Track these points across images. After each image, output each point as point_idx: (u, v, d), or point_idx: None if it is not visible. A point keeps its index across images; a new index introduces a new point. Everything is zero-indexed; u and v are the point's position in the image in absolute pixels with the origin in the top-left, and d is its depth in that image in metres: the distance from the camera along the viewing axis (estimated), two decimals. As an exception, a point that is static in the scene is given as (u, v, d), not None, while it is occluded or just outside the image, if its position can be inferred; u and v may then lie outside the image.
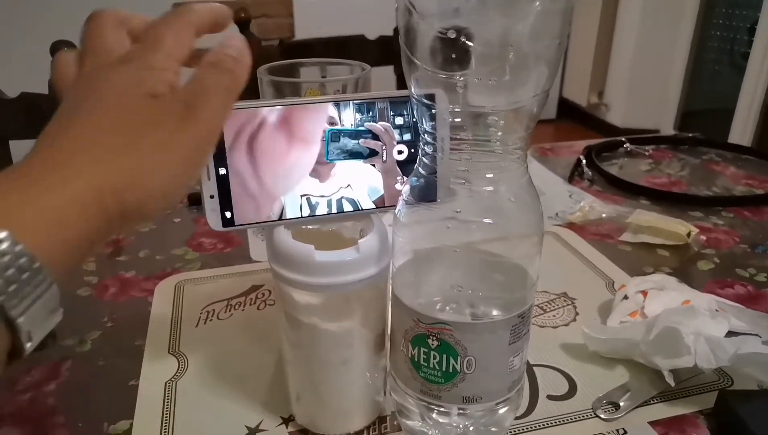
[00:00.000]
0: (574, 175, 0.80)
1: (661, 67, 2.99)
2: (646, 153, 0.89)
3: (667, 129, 3.00)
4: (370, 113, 0.35)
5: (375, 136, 0.35)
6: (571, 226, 0.66)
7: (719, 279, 0.56)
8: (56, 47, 0.86)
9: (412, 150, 0.36)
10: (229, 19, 0.31)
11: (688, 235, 0.61)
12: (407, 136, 0.36)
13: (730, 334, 0.42)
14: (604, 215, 0.67)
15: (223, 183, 0.33)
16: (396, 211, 0.34)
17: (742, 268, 0.58)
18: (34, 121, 0.88)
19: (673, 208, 0.70)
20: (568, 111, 3.52)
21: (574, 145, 0.92)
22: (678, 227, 0.61)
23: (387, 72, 1.25)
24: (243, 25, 1.25)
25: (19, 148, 0.92)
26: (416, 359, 0.33)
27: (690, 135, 0.94)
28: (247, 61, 0.29)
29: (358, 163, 0.35)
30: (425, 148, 0.32)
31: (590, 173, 0.80)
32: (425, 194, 0.33)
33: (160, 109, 0.26)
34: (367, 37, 1.26)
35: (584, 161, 0.82)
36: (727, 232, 0.65)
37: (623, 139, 0.91)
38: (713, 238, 0.64)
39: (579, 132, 3.36)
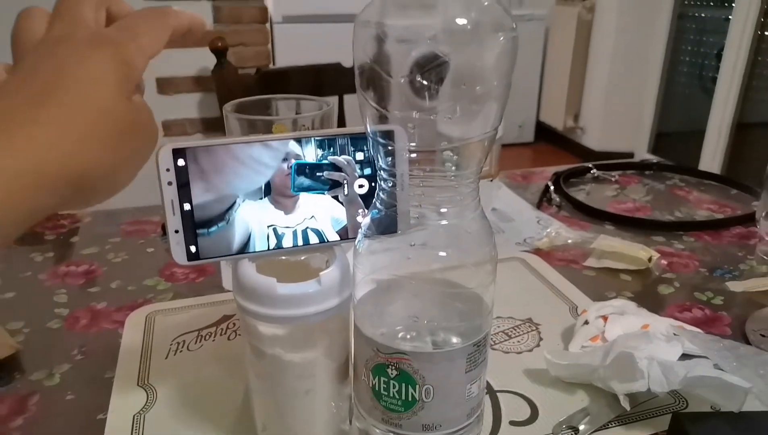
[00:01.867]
0: (542, 201, 0.82)
1: (634, 91, 3.07)
2: (613, 178, 0.92)
3: (642, 151, 3.07)
4: (331, 148, 0.36)
5: (339, 170, 0.37)
6: (538, 252, 0.68)
7: (679, 303, 0.58)
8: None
9: (373, 184, 0.37)
10: (203, 30, 0.33)
11: (650, 259, 0.63)
12: (368, 171, 0.37)
13: (684, 357, 0.44)
14: (569, 241, 0.69)
15: (187, 218, 0.34)
16: (356, 243, 0.35)
17: (700, 291, 0.60)
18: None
19: (637, 232, 0.72)
20: (545, 134, 3.59)
21: (544, 171, 0.95)
22: (639, 252, 0.63)
23: (363, 100, 1.27)
24: (220, 54, 1.27)
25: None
26: (377, 388, 0.34)
27: (655, 161, 0.97)
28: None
29: (321, 196, 0.37)
30: (382, 183, 0.33)
31: (558, 199, 0.82)
32: (385, 227, 0.34)
33: (131, 110, 0.27)
34: (343, 65, 1.29)
35: (552, 187, 0.84)
36: (688, 256, 0.67)
37: (590, 165, 0.94)
38: (674, 262, 0.66)
39: (556, 155, 3.42)
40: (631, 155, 3.07)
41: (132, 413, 0.43)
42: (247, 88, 1.11)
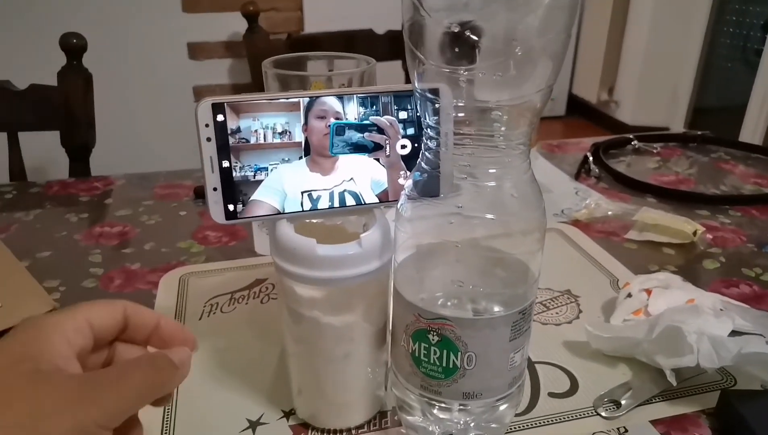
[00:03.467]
0: (580, 172, 0.79)
1: (672, 63, 2.96)
2: (654, 150, 0.89)
3: (678, 126, 2.98)
4: (374, 107, 0.35)
5: (380, 130, 0.35)
6: (576, 223, 0.66)
7: (725, 278, 0.56)
8: (65, 39, 0.87)
9: (416, 144, 0.36)
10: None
11: (694, 233, 0.60)
12: (410, 131, 0.36)
13: (734, 333, 0.42)
14: (609, 213, 0.67)
15: (226, 175, 0.33)
16: (398, 206, 0.34)
17: (748, 267, 0.57)
18: (43, 112, 0.89)
19: (680, 206, 0.70)
20: (577, 108, 3.50)
21: (581, 142, 0.92)
22: (684, 226, 0.61)
23: (395, 67, 1.25)
24: (251, 19, 1.25)
25: (28, 139, 0.93)
26: (417, 354, 0.33)
27: (699, 133, 0.94)
28: (185, 372, 0.29)
29: (361, 157, 0.35)
30: (428, 142, 0.32)
31: (597, 170, 0.80)
32: (428, 189, 0.33)
33: (39, 382, 0.24)
34: (375, 32, 1.26)
35: (591, 158, 0.81)
36: (734, 231, 0.65)
37: (631, 136, 0.90)
38: (720, 236, 0.63)
39: (588, 129, 3.34)
40: (666, 130, 2.98)
41: (167, 372, 0.43)
42: (278, 53, 1.10)
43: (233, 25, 1.58)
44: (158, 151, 1.41)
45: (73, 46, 0.86)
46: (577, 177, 0.78)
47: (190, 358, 0.30)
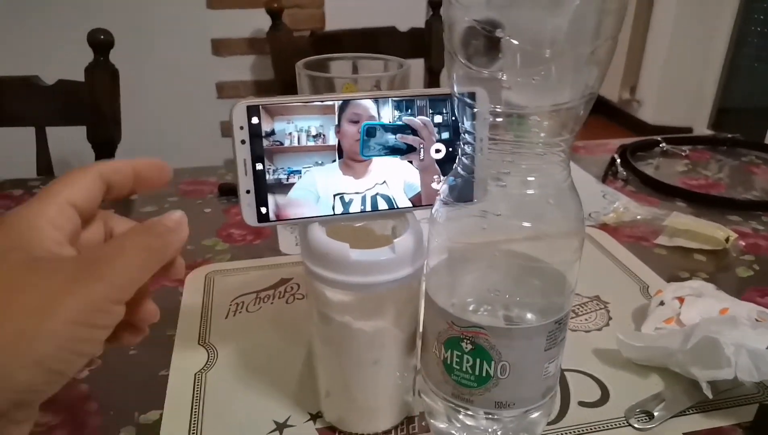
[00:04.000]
0: (608, 175, 0.78)
1: (696, 62, 2.91)
2: (683, 153, 0.87)
3: (701, 127, 2.93)
4: (409, 111, 0.34)
5: (413, 132, 0.35)
6: (604, 227, 0.65)
7: (759, 286, 0.54)
8: (93, 35, 0.87)
9: (450, 149, 0.35)
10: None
11: (727, 240, 0.59)
12: (445, 135, 0.35)
13: (772, 345, 0.41)
14: (639, 217, 0.66)
15: (259, 178, 0.33)
16: (433, 211, 0.33)
17: (783, 275, 0.56)
18: (70, 108, 0.90)
19: (710, 211, 0.68)
20: (598, 106, 3.42)
21: (608, 143, 0.90)
22: (716, 232, 0.60)
23: (417, 65, 1.24)
24: (275, 16, 1.25)
25: (55, 134, 0.94)
26: (449, 362, 0.33)
27: (729, 136, 0.92)
28: (183, 233, 0.28)
29: (395, 160, 0.35)
30: (464, 147, 0.31)
31: (624, 173, 0.78)
32: (463, 194, 0.32)
33: (42, 267, 0.24)
34: (398, 29, 1.25)
35: (619, 160, 0.80)
36: (767, 237, 0.63)
37: (659, 138, 0.89)
38: (752, 243, 0.62)
39: (609, 128, 3.30)
40: (689, 130, 2.93)
41: (194, 371, 0.43)
42: (301, 50, 1.09)
43: (257, 21, 1.58)
44: (183, 147, 1.42)
45: (101, 42, 0.87)
46: (604, 180, 0.77)
47: (185, 218, 0.29)
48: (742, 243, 0.61)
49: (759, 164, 0.85)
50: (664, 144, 0.88)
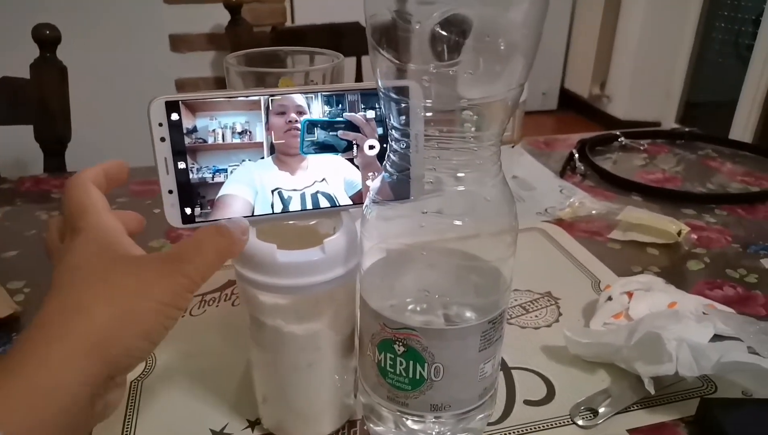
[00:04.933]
0: (566, 170, 0.78)
1: (664, 58, 2.95)
2: (641, 147, 0.87)
3: (669, 121, 2.98)
4: (340, 105, 0.33)
5: (353, 128, 0.34)
6: (560, 222, 0.64)
7: (709, 280, 0.55)
8: (38, 31, 0.84)
9: (384, 145, 0.34)
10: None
11: (679, 233, 0.59)
12: (380, 130, 0.34)
13: (716, 338, 0.41)
14: (594, 212, 0.66)
15: (182, 177, 0.31)
16: (363, 209, 0.32)
17: (732, 268, 0.56)
18: (16, 106, 0.86)
19: (666, 204, 0.69)
20: (569, 102, 3.49)
21: (569, 138, 0.90)
22: (669, 226, 0.60)
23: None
24: (234, 10, 1.23)
25: (1, 133, 0.90)
26: (383, 365, 0.32)
27: (687, 129, 0.92)
28: (248, 239, 0.31)
29: (333, 157, 0.34)
30: (393, 144, 0.30)
31: (582, 168, 0.78)
32: (397, 192, 0.31)
33: (133, 262, 0.29)
34: (362, 24, 1.24)
35: (577, 155, 0.80)
36: (720, 230, 0.64)
37: (618, 132, 0.89)
38: (705, 236, 0.62)
39: (580, 123, 3.34)
40: (658, 125, 2.97)
41: (129, 380, 0.41)
42: (261, 46, 1.08)
43: (216, 16, 1.55)
44: (135, 147, 1.38)
45: (47, 38, 0.84)
46: (562, 174, 0.77)
47: (249, 226, 0.32)
48: (695, 236, 0.62)
49: (715, 157, 0.85)
50: (622, 138, 0.88)
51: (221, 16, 1.34)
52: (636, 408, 0.39)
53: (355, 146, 0.34)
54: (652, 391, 0.38)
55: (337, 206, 0.34)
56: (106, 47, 1.56)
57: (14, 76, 0.86)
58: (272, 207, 0.33)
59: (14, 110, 0.86)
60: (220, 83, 1.66)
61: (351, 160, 0.34)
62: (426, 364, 0.31)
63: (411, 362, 0.31)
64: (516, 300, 0.51)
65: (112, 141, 1.51)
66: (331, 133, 0.33)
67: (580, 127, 3.22)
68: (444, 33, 0.27)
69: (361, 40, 1.23)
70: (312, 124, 0.33)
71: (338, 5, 1.68)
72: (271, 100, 0.32)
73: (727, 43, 2.75)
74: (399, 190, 0.31)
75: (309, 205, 0.34)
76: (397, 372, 0.31)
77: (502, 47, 0.28)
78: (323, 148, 0.33)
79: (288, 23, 1.69)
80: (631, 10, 3.02)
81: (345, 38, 1.25)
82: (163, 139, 0.30)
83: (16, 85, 0.85)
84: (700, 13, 2.80)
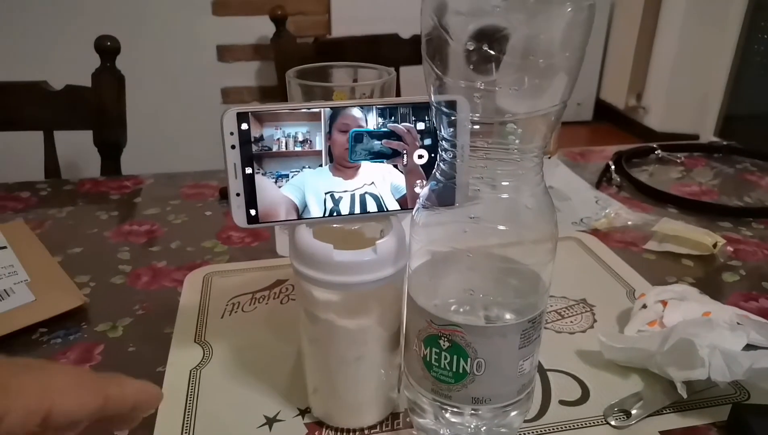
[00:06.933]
0: (602, 181, 0.79)
1: (703, 70, 2.91)
2: (678, 160, 0.88)
3: (707, 134, 2.92)
4: (393, 117, 0.36)
5: (398, 138, 0.36)
6: (595, 232, 0.66)
7: (744, 292, 0.55)
8: (100, 42, 0.90)
9: (432, 154, 0.37)
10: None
11: (715, 245, 0.60)
12: (428, 141, 0.37)
13: (749, 347, 0.42)
14: (629, 223, 0.67)
15: (249, 181, 0.34)
16: (413, 214, 0.35)
17: (768, 281, 0.57)
18: (77, 112, 0.92)
19: (702, 217, 0.69)
20: (604, 113, 3.46)
21: (605, 150, 0.91)
22: (704, 238, 0.61)
23: (419, 71, 1.25)
24: (279, 22, 1.28)
25: (62, 137, 0.96)
26: (428, 359, 0.34)
27: (725, 143, 0.93)
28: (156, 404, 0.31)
29: (381, 164, 0.36)
30: (443, 154, 0.33)
31: (618, 179, 0.79)
32: (444, 198, 0.34)
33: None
34: (401, 36, 1.27)
35: (613, 167, 0.81)
36: (757, 244, 0.64)
37: (655, 145, 0.90)
38: (741, 249, 0.63)
39: (615, 135, 3.30)
40: (696, 138, 2.92)
41: (189, 368, 0.45)
42: (305, 57, 1.12)
43: (261, 28, 1.61)
44: (186, 152, 1.44)
45: (107, 48, 0.89)
46: (598, 186, 0.78)
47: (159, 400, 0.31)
48: (730, 249, 0.62)
49: (754, 171, 0.85)
50: (659, 151, 0.89)
51: (266, 28, 1.39)
52: (668, 411, 0.41)
53: (404, 154, 0.37)
54: (685, 395, 0.40)
55: (383, 208, 0.37)
56: (160, 57, 1.63)
57: (77, 84, 0.91)
58: (325, 204, 0.36)
59: (76, 116, 0.91)
60: (264, 92, 1.71)
61: (397, 167, 0.37)
62: (469, 359, 0.33)
63: (455, 357, 0.33)
64: (552, 306, 0.53)
65: (164, 146, 1.58)
66: (376, 142, 0.36)
67: (615, 139, 3.18)
68: (491, 52, 0.30)
69: (398, 50, 1.26)
70: (359, 134, 0.36)
71: (374, 18, 1.72)
72: (335, 117, 0.35)
73: (770, 56, 2.69)
74: (446, 196, 0.34)
75: (357, 205, 0.36)
76: (442, 366, 0.34)
77: (545, 66, 0.30)
78: (371, 155, 0.36)
79: (327, 35, 1.74)
80: (670, 19, 2.98)
81: (383, 49, 1.29)
82: (233, 147, 0.34)
83: (78, 93, 0.91)
84: (741, 24, 2.75)
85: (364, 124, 0.35)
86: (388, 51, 1.26)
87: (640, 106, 3.24)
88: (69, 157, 1.08)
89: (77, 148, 1.02)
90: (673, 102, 3.04)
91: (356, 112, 0.35)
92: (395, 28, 1.28)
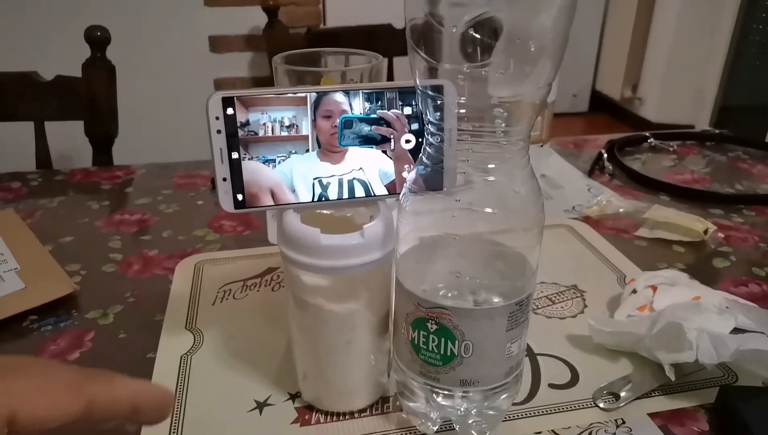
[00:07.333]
0: (594, 169, 0.80)
1: (698, 60, 2.91)
2: (671, 148, 0.88)
3: (703, 124, 2.93)
4: (379, 102, 0.36)
5: (387, 124, 0.36)
6: (587, 219, 0.66)
7: (734, 277, 0.56)
8: (90, 32, 0.89)
9: (420, 139, 0.37)
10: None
11: (705, 232, 0.60)
12: (415, 126, 0.37)
13: (737, 330, 0.42)
14: (621, 210, 0.67)
15: (235, 167, 0.34)
16: (400, 199, 0.35)
17: (759, 267, 0.57)
18: (68, 103, 0.91)
19: (693, 204, 0.69)
20: (600, 104, 3.46)
21: (598, 138, 0.91)
22: (695, 224, 0.61)
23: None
24: (271, 13, 1.27)
25: (53, 128, 0.96)
26: (416, 342, 0.34)
27: (717, 131, 0.93)
28: (166, 414, 0.28)
29: (369, 150, 0.36)
30: (429, 138, 0.33)
31: (611, 168, 0.80)
32: (431, 183, 0.34)
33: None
34: (394, 27, 1.27)
35: (605, 155, 0.81)
36: (748, 230, 0.64)
37: (647, 134, 0.90)
38: (732, 236, 0.63)
39: (611, 126, 3.31)
40: (691, 128, 2.93)
41: (179, 354, 0.45)
42: (298, 47, 1.11)
43: (254, 19, 1.60)
44: (178, 142, 1.44)
45: (98, 39, 0.89)
46: (590, 174, 0.78)
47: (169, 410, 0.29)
48: (721, 235, 0.62)
49: (745, 159, 0.86)
50: (652, 139, 0.89)
51: (259, 19, 1.38)
52: (657, 394, 0.41)
53: (393, 139, 0.37)
54: (673, 378, 0.40)
55: (371, 194, 0.37)
56: (151, 48, 1.63)
57: (67, 75, 0.91)
58: (313, 190, 0.36)
59: (67, 107, 0.91)
60: (257, 82, 1.71)
61: (385, 153, 0.37)
62: (456, 342, 0.33)
63: (442, 339, 0.33)
64: (542, 292, 0.53)
65: (155, 136, 1.57)
66: (365, 128, 0.36)
67: (610, 130, 3.19)
68: (476, 36, 0.29)
69: (392, 41, 1.25)
70: (349, 120, 0.36)
71: (367, 8, 1.71)
72: (319, 103, 0.35)
73: (765, 46, 2.70)
74: (433, 181, 0.34)
75: (345, 190, 0.36)
76: (430, 348, 0.34)
77: (531, 50, 0.30)
78: (360, 141, 0.36)
79: (321, 25, 1.73)
80: (665, 11, 2.98)
81: (377, 39, 1.28)
82: (219, 132, 0.33)
83: (68, 84, 0.90)
84: (736, 14, 2.75)
85: (348, 109, 0.35)
86: (381, 41, 1.26)
87: (635, 97, 3.24)
88: (60, 149, 1.07)
89: (68, 139, 1.01)
90: (669, 93, 3.04)
91: (339, 97, 0.35)
92: (388, 18, 1.27)
